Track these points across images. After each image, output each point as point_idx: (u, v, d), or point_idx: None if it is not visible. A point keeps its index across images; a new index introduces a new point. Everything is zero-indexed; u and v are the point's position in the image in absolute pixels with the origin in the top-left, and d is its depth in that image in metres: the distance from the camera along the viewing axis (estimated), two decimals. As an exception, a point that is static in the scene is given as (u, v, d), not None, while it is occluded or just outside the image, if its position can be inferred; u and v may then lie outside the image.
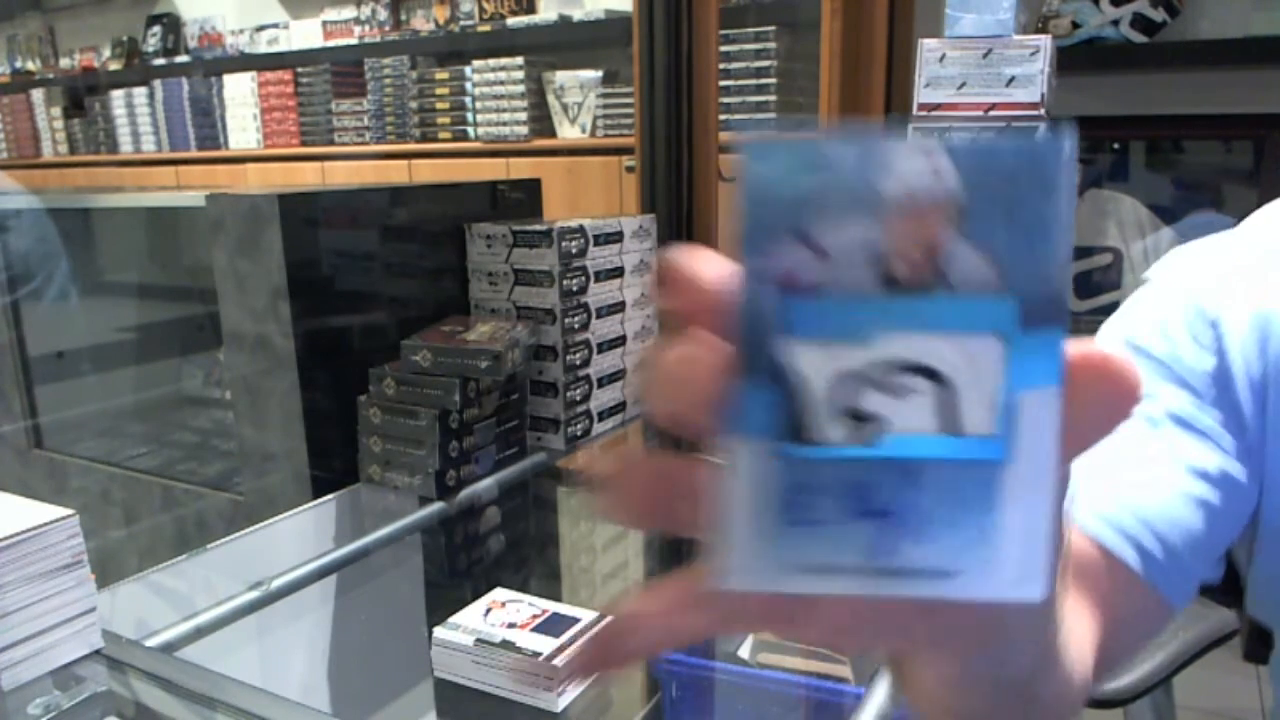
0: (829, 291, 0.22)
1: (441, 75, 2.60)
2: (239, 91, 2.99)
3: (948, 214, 0.22)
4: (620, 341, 1.30)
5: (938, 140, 0.22)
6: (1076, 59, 1.37)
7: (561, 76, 2.45)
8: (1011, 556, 0.22)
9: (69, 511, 0.75)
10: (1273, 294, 0.51)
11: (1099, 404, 0.22)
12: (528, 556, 1.25)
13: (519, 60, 2.48)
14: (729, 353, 0.22)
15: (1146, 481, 0.49)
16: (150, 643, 0.88)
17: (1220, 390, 0.50)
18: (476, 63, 2.55)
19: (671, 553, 1.16)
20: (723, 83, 1.88)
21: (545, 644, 0.78)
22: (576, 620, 0.82)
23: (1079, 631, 0.42)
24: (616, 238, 1.27)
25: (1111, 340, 0.55)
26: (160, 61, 3.19)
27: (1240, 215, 0.58)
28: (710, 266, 0.23)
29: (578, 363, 1.22)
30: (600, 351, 1.26)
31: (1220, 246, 0.56)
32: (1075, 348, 0.21)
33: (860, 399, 0.22)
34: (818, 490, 0.22)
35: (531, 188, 1.49)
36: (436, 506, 1.11)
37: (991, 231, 0.22)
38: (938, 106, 1.21)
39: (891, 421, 0.22)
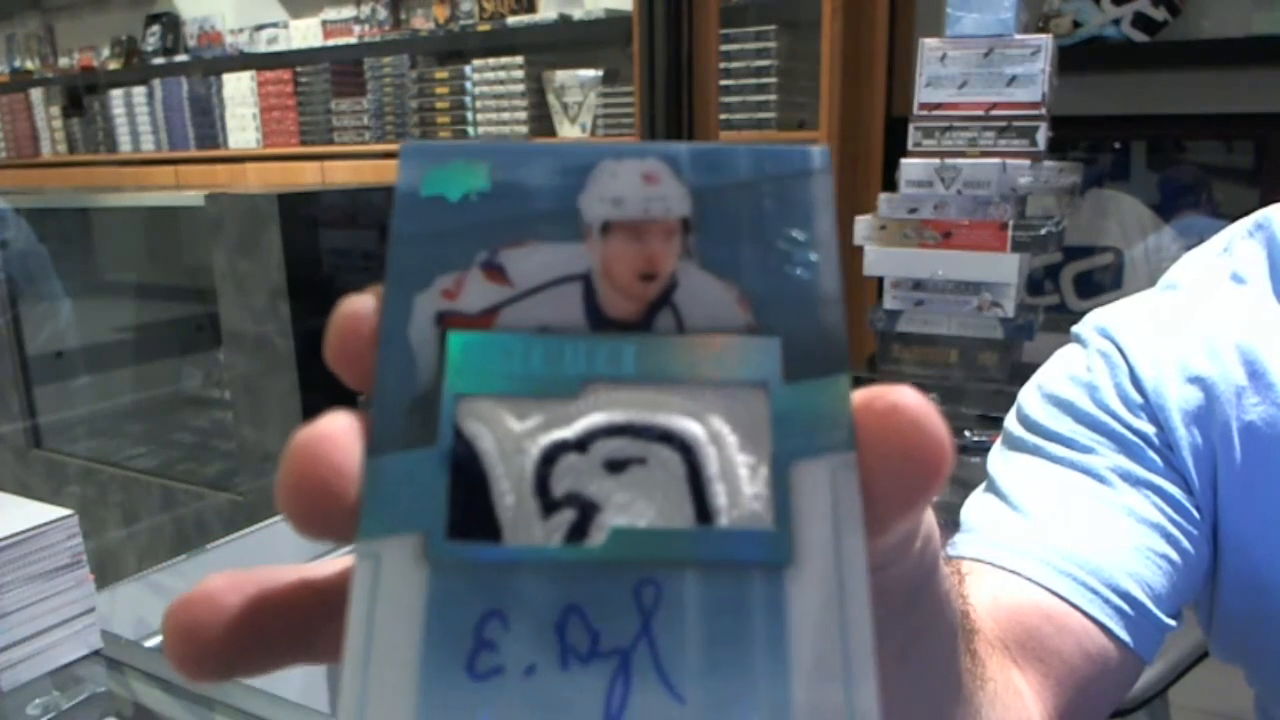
0: (513, 330, 0.16)
1: (441, 74, 2.60)
2: (238, 90, 2.98)
3: (669, 230, 0.17)
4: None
5: (655, 148, 0.17)
6: (1077, 58, 1.37)
7: (561, 76, 2.45)
8: (816, 711, 0.14)
9: (68, 512, 0.75)
10: (1206, 358, 0.51)
11: (893, 471, 0.16)
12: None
13: (519, 59, 2.47)
14: (374, 417, 0.16)
15: (1107, 538, 0.48)
16: (149, 643, 0.88)
17: (1165, 458, 0.50)
18: (476, 62, 2.55)
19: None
20: (723, 82, 1.87)
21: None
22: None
23: (1015, 710, 0.41)
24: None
25: (1037, 401, 0.55)
26: (159, 61, 3.18)
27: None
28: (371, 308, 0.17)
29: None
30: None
31: (1147, 306, 0.56)
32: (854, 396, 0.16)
33: (569, 477, 0.15)
34: (512, 618, 0.14)
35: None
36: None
37: (731, 252, 0.17)
38: (939, 106, 1.21)
39: (616, 510, 0.15)
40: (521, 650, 0.14)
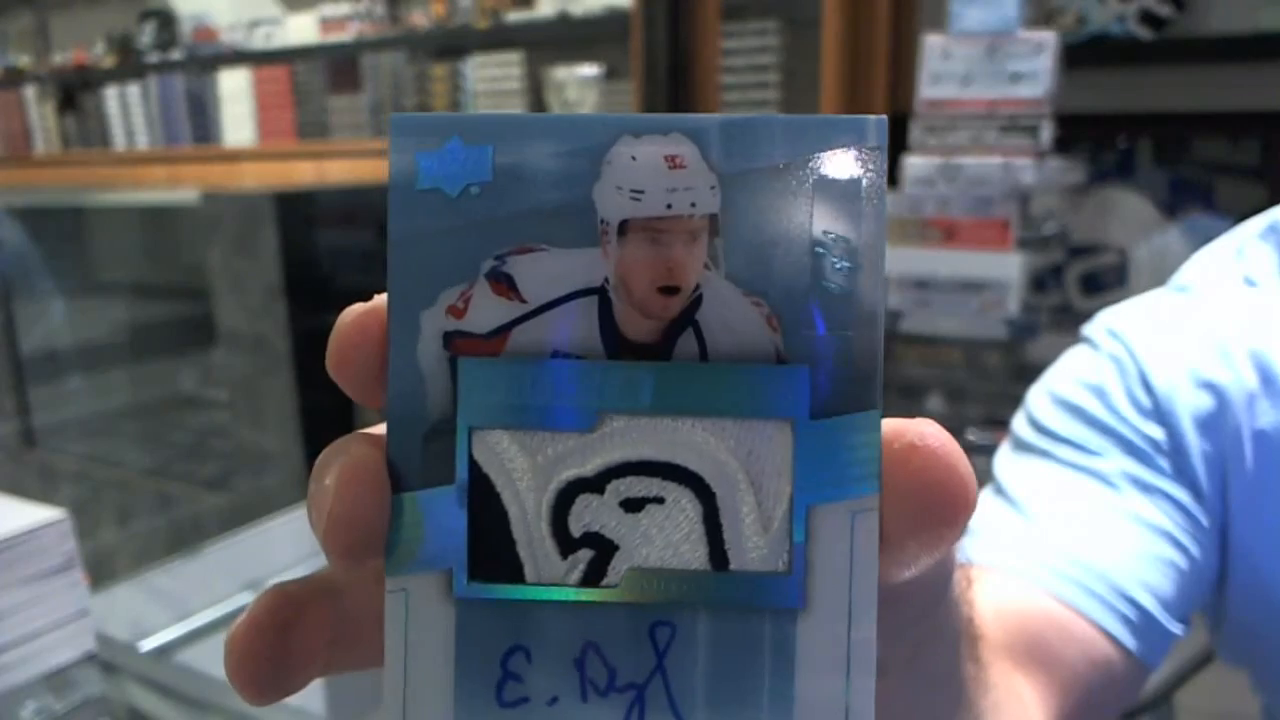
0: (525, 355, 0.15)
1: (439, 71, 2.59)
2: (234, 87, 2.97)
3: (697, 233, 0.15)
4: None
5: (679, 122, 0.15)
6: (1082, 55, 1.37)
7: (560, 72, 2.44)
8: None
9: (61, 513, 0.74)
10: (1218, 362, 0.50)
11: (913, 514, 0.15)
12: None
13: (517, 56, 2.47)
14: (391, 451, 0.15)
15: (1115, 543, 0.48)
16: (144, 646, 0.87)
17: (1175, 463, 0.50)
18: (474, 58, 2.54)
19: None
20: (723, 78, 1.86)
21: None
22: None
23: (1017, 717, 0.40)
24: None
25: (1046, 404, 0.54)
26: (154, 57, 3.17)
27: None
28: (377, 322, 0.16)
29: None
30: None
31: (1158, 308, 0.55)
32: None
33: (585, 516, 0.15)
34: (535, 653, 0.15)
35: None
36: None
37: (762, 259, 0.15)
38: (942, 103, 1.20)
39: (633, 550, 0.15)
40: (545, 682, 0.15)
